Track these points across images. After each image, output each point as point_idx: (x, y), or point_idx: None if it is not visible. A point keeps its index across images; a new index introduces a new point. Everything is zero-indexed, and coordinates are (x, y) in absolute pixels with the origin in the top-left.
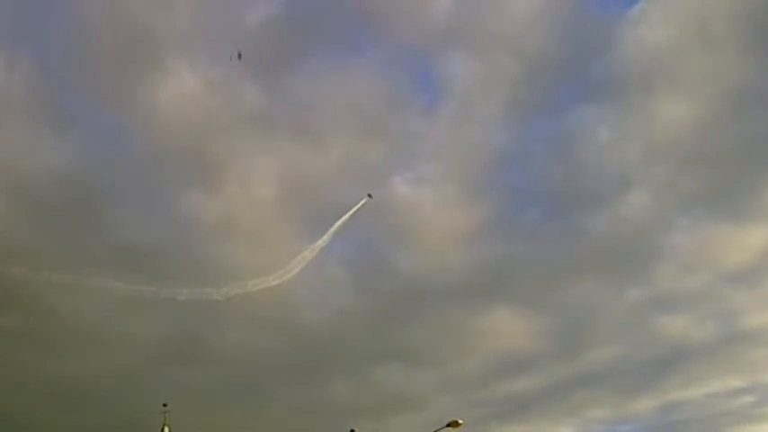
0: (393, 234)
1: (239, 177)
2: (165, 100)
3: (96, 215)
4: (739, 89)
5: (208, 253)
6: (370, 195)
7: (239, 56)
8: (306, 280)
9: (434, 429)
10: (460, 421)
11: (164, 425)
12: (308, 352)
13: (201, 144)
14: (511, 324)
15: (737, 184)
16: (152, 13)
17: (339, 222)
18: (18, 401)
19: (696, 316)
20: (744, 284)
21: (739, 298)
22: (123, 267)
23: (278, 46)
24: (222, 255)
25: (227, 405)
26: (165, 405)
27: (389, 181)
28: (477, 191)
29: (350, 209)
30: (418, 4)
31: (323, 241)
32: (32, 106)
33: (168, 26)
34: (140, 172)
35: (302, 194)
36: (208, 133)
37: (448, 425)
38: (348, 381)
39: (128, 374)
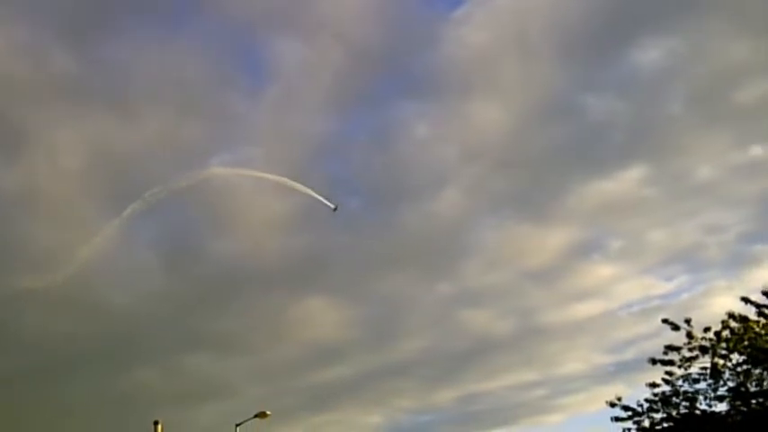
0: (208, 217)
1: (44, 147)
2: None
3: None
4: (549, 98)
5: (6, 228)
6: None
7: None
8: (112, 262)
9: (243, 419)
10: (268, 413)
11: None
12: (113, 338)
13: (2, 109)
14: (325, 313)
15: (541, 189)
16: None
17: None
18: None
19: (497, 311)
20: (542, 282)
21: (538, 295)
22: None
23: (93, 10)
24: (22, 229)
25: (22, 393)
26: None
27: (207, 162)
28: (297, 178)
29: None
30: None
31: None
32: None
33: None
34: None
35: (112, 169)
36: (10, 98)
37: (256, 416)
38: (155, 368)
39: None
